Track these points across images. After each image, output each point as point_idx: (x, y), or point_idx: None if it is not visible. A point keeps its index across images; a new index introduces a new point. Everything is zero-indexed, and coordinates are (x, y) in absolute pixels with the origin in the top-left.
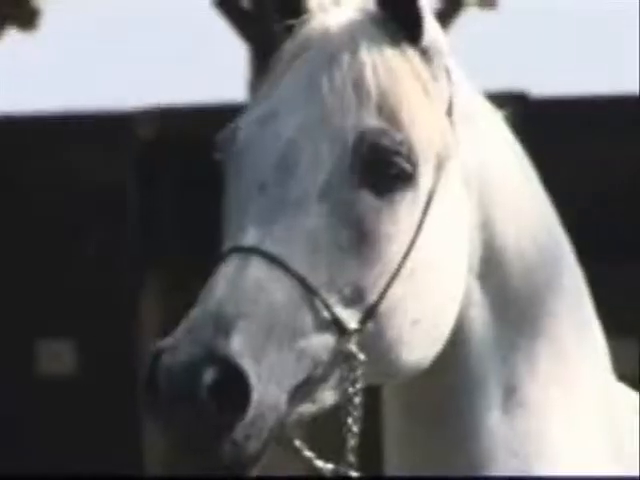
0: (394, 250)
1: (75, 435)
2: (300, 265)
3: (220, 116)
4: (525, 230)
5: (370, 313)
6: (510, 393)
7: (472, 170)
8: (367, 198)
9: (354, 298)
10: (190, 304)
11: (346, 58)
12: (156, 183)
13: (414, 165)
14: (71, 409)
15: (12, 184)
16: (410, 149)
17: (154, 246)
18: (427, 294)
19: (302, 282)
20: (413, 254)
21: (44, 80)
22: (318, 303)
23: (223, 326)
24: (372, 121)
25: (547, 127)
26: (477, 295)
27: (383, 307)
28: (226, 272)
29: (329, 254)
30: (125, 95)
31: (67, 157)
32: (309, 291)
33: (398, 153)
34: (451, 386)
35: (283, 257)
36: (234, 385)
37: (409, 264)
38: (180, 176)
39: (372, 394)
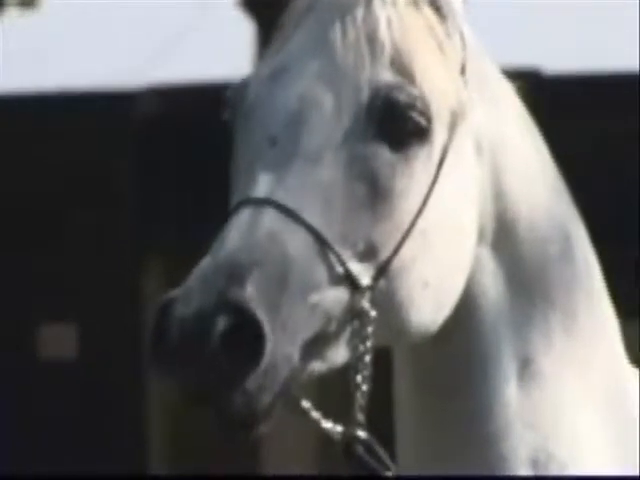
0: (407, 206)
1: (77, 420)
2: (314, 218)
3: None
4: (537, 201)
5: (382, 270)
6: (525, 365)
7: (485, 135)
8: (382, 152)
9: (367, 253)
10: None
11: (359, 12)
12: (155, 166)
13: (429, 120)
14: (73, 392)
15: (7, 167)
16: (425, 104)
17: (154, 230)
18: (437, 256)
19: (316, 235)
20: (425, 213)
21: (42, 59)
22: (332, 257)
23: (237, 275)
24: (387, 75)
25: (560, 104)
26: (490, 264)
27: (395, 265)
28: (238, 223)
29: (343, 208)
30: (123, 74)
31: (63, 139)
32: (323, 244)
33: (413, 108)
34: (464, 355)
35: (297, 209)
36: (248, 333)
37: (421, 223)
38: (180, 159)
39: (382, 360)
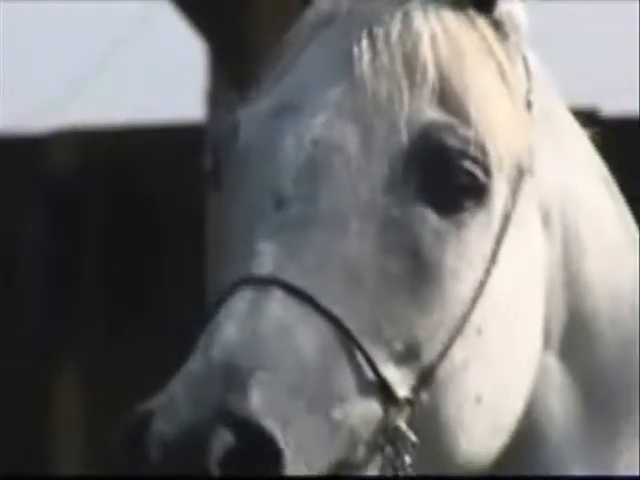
0: (459, 292)
1: None
2: (336, 303)
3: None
4: (621, 285)
5: (426, 378)
6: None
7: (555, 200)
8: (426, 216)
9: (406, 354)
10: None
11: (394, 26)
12: (72, 229)
13: (487, 174)
14: None
15: None
16: (482, 151)
17: (68, 324)
18: (493, 363)
19: (339, 327)
20: (481, 301)
21: None
22: (360, 357)
23: (237, 380)
24: (432, 112)
25: (620, 147)
26: (558, 377)
27: (441, 372)
28: (236, 310)
29: (374, 290)
30: (34, 114)
31: None
32: (348, 339)
33: (467, 156)
34: None
35: (313, 291)
36: (258, 455)
37: (476, 316)
38: (106, 219)
39: None
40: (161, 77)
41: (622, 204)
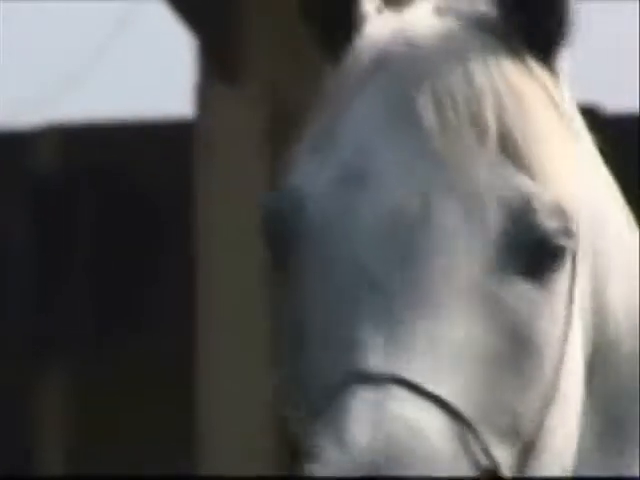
0: (552, 359)
1: None
2: (454, 395)
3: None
4: (636, 305)
5: (527, 454)
6: None
7: (586, 222)
8: (524, 288)
9: (509, 432)
10: None
11: (456, 83)
12: (59, 226)
13: (570, 234)
14: None
15: None
16: (564, 214)
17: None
18: (569, 425)
19: (458, 418)
20: (563, 365)
21: None
22: (474, 444)
23: None
24: (512, 177)
25: (621, 145)
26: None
27: (538, 445)
28: (362, 410)
29: (482, 374)
30: (23, 111)
31: None
32: (468, 430)
33: (554, 222)
34: None
35: (430, 385)
36: None
37: (562, 380)
38: (93, 217)
39: None
40: (149, 73)
41: (624, 209)
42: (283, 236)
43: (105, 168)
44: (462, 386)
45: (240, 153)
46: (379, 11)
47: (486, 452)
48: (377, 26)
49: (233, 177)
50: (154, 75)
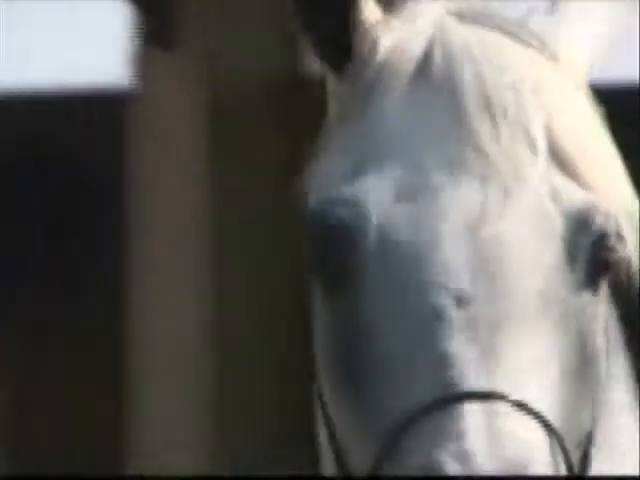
0: (602, 367)
1: None
2: (544, 408)
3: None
4: None
5: (587, 458)
6: None
7: None
8: (587, 298)
9: (579, 441)
10: None
11: (503, 92)
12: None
13: (623, 241)
14: None
15: None
16: (617, 222)
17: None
18: (618, 433)
19: (553, 433)
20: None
21: None
22: (559, 456)
23: None
24: (566, 187)
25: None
26: None
27: (594, 450)
28: (474, 426)
29: (561, 385)
30: None
31: None
32: (559, 442)
33: (611, 232)
34: None
35: (529, 400)
36: None
37: (611, 387)
38: (22, 191)
39: None
40: (80, 39)
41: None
42: (344, 253)
43: (34, 137)
44: (549, 399)
45: (175, 121)
46: (380, 19)
47: (570, 466)
48: (400, 34)
49: (167, 145)
50: (85, 41)
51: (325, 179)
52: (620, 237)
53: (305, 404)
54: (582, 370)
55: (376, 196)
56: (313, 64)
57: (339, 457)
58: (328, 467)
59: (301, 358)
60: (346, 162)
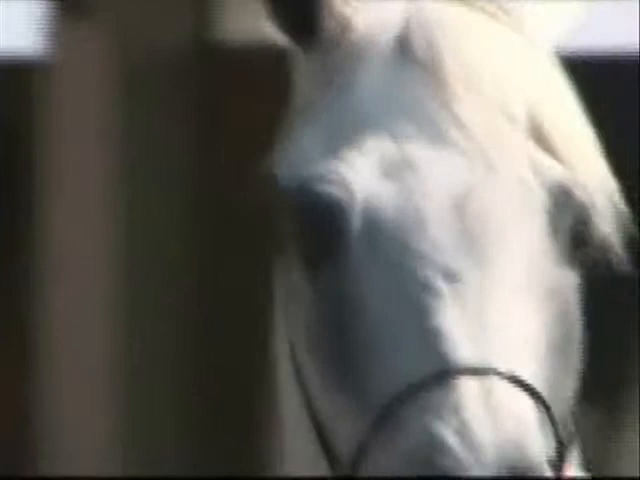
0: (580, 339)
1: None
2: (536, 382)
3: None
4: None
5: (572, 433)
6: None
7: None
8: (567, 274)
9: (564, 414)
10: None
11: (483, 66)
12: None
13: (600, 216)
14: None
15: None
16: (591, 197)
17: None
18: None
19: (543, 407)
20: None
21: None
22: (548, 428)
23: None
24: (545, 160)
25: None
26: None
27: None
28: (475, 403)
29: (547, 359)
30: None
31: None
32: (549, 418)
33: (588, 206)
34: None
35: (522, 376)
36: None
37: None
38: None
39: None
40: None
41: None
42: (329, 230)
43: None
44: (539, 373)
45: (86, 89)
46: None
47: (558, 437)
48: (375, 10)
49: (77, 114)
50: None
51: (301, 155)
52: (598, 212)
53: (216, 398)
54: (564, 343)
55: (360, 172)
56: (225, 33)
57: (323, 437)
58: (301, 449)
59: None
60: (322, 137)
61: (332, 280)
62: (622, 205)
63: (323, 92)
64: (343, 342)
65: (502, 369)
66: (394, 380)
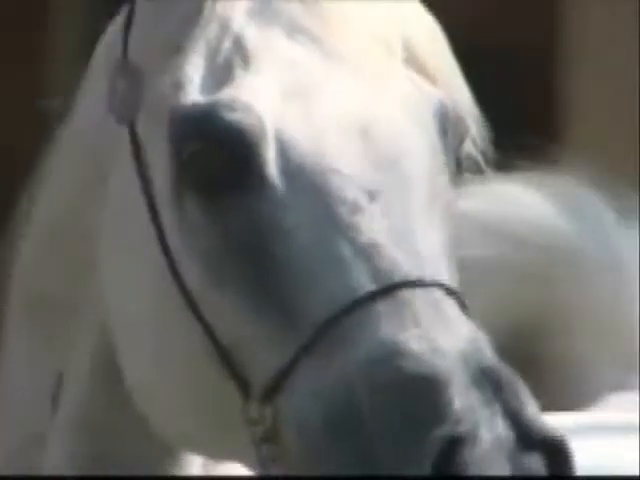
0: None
1: None
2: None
3: None
4: None
5: None
6: None
7: None
8: (452, 190)
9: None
10: None
11: (363, 14)
12: None
13: (472, 138)
14: None
15: None
16: (469, 121)
17: None
18: None
19: (467, 312)
20: None
21: None
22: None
23: (502, 383)
24: (425, 85)
25: None
26: None
27: None
28: (429, 312)
29: (451, 268)
30: None
31: None
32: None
33: (466, 127)
34: None
35: (456, 288)
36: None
37: None
38: None
39: None
40: None
41: None
42: (240, 157)
43: None
44: (456, 284)
45: None
46: None
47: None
48: None
49: None
50: None
51: (191, 82)
52: (471, 135)
53: None
54: (452, 255)
55: (265, 97)
56: None
57: (232, 366)
58: (190, 381)
59: None
60: (211, 64)
61: (242, 209)
62: (485, 129)
63: (204, 19)
64: (261, 269)
65: (443, 280)
66: (330, 299)
